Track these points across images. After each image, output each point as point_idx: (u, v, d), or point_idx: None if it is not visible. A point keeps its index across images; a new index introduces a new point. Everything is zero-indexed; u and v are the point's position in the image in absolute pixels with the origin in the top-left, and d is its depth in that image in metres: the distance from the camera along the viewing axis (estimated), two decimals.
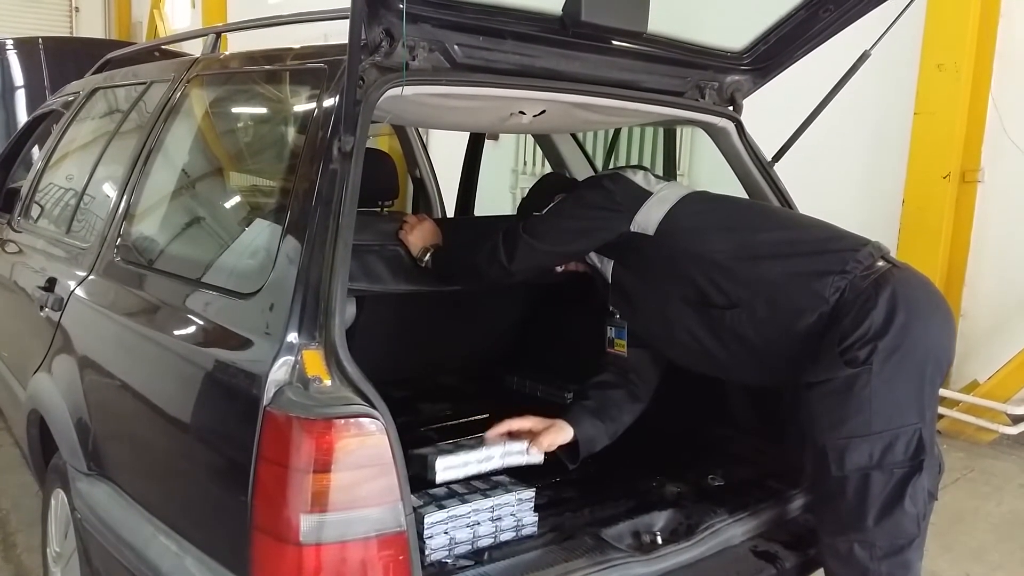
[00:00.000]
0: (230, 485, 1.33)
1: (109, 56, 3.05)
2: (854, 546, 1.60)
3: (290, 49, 1.79)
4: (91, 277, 1.98)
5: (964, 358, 4.47)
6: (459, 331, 2.74)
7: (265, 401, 1.27)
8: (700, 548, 1.73)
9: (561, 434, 1.78)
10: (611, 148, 4.05)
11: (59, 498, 2.03)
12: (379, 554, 1.28)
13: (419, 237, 2.04)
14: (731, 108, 2.18)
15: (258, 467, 1.27)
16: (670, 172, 4.16)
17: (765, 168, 2.20)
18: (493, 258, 1.85)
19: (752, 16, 2.13)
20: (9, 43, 5.04)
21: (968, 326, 4.46)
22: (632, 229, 1.82)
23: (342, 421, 1.26)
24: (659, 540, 1.74)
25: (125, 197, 2.02)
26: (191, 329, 1.55)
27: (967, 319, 4.45)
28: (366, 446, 1.27)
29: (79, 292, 1.98)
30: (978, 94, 4.28)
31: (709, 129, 2.18)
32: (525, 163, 6.83)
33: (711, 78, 2.12)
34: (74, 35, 15.48)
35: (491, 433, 1.74)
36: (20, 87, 5.08)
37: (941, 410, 4.31)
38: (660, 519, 1.82)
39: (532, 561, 1.60)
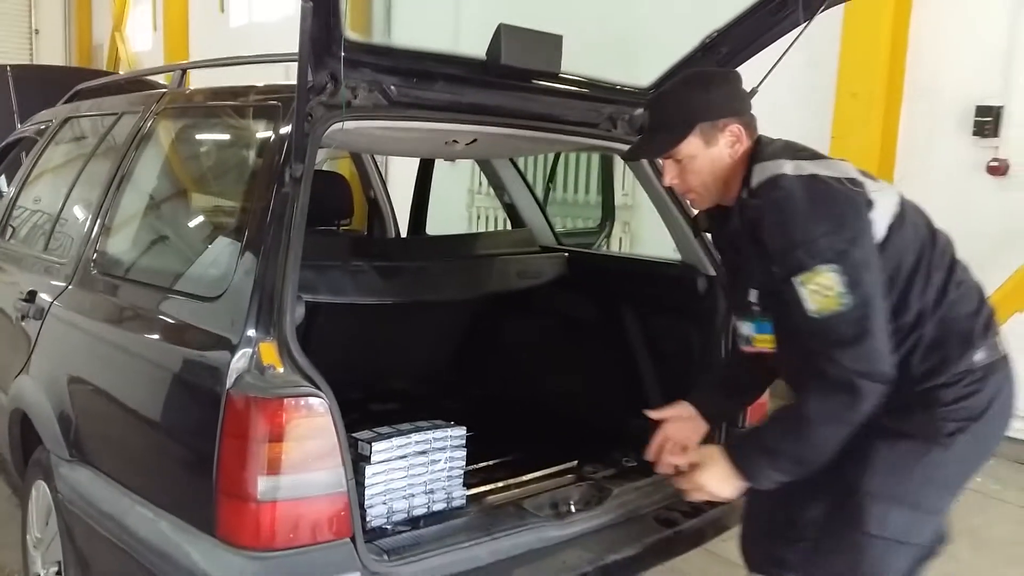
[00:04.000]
0: (199, 458, 1.58)
1: (80, 87, 3.28)
2: None
3: (250, 87, 2.05)
4: (70, 287, 2.22)
5: None
6: (411, 340, 3.01)
7: (228, 385, 1.52)
8: (609, 516, 2.02)
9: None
10: (552, 171, 4.36)
11: (40, 489, 2.24)
12: (325, 510, 1.54)
13: (722, 480, 1.68)
14: None
15: (222, 441, 1.52)
16: (608, 193, 4.51)
17: (671, 190, 2.51)
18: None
19: (659, 57, 2.45)
20: None
21: None
22: None
23: (292, 400, 1.52)
24: (572, 509, 2.02)
25: (100, 216, 2.26)
26: (163, 328, 1.80)
27: None
28: (312, 420, 1.54)
29: (59, 301, 2.22)
30: (890, 120, 4.68)
31: (606, 159, 2.48)
32: (480, 184, 7.14)
33: (622, 111, 2.43)
34: (34, 56, 15.56)
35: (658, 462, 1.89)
36: None
37: None
38: (576, 492, 2.11)
39: (460, 526, 1.87)
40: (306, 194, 1.69)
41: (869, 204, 1.58)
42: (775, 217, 1.57)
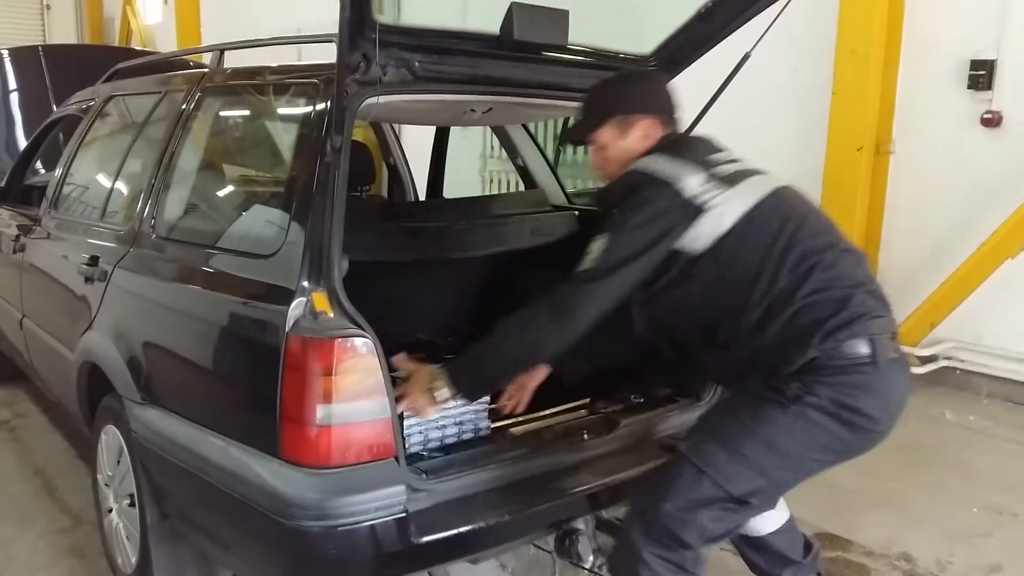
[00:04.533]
0: (263, 391, 1.83)
1: (118, 67, 3.51)
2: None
3: (290, 66, 2.28)
4: (132, 250, 2.47)
5: None
6: (435, 294, 3.25)
7: (287, 328, 1.77)
8: (617, 443, 2.27)
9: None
10: (562, 135, 4.55)
11: (110, 432, 2.52)
12: (372, 433, 1.80)
13: (420, 387, 1.90)
14: None
15: (284, 375, 1.77)
16: None
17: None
18: None
19: (658, 25, 2.64)
20: (5, 53, 5.41)
21: (884, 281, 5.02)
22: None
23: (342, 340, 1.77)
24: (585, 437, 2.27)
25: (156, 186, 2.51)
26: (224, 282, 2.04)
27: (883, 275, 5.03)
28: (359, 357, 1.78)
29: (122, 264, 2.47)
30: (888, 75, 4.83)
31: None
32: (492, 148, 7.34)
33: None
34: (46, 32, 15.73)
35: None
36: (14, 91, 5.46)
37: None
38: (588, 424, 2.35)
39: (487, 451, 2.13)
40: (346, 162, 1.91)
41: (697, 211, 1.80)
42: (611, 203, 1.95)
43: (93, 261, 2.63)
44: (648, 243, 1.82)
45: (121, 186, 2.85)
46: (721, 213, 1.81)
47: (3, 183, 3.96)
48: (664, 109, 2.03)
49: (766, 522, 2.22)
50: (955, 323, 4.66)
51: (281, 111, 2.37)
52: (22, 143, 5.00)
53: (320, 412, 1.75)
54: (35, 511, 3.15)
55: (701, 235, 1.82)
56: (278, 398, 1.78)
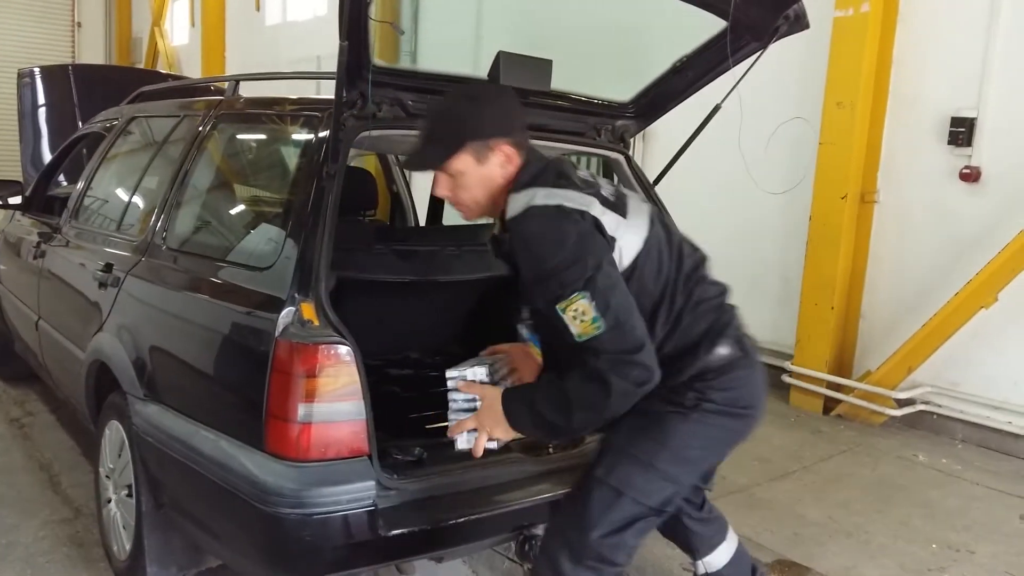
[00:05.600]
0: (251, 390, 2.03)
1: (142, 90, 3.77)
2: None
3: (295, 99, 2.51)
4: (143, 259, 2.69)
5: (863, 353, 5.24)
6: (423, 315, 3.45)
7: (277, 333, 1.98)
8: (580, 458, 2.43)
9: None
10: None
11: (113, 427, 2.72)
12: (348, 432, 1.99)
13: (496, 422, 1.88)
14: (621, 144, 2.91)
15: (271, 376, 1.97)
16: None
17: (648, 190, 2.93)
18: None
19: (636, 76, 2.86)
20: (37, 71, 5.71)
21: (867, 325, 5.21)
22: None
23: (324, 347, 1.97)
24: (551, 451, 2.45)
25: (168, 202, 2.74)
26: (223, 290, 2.26)
27: (866, 319, 5.21)
28: (340, 363, 1.98)
29: (134, 271, 2.69)
30: (875, 128, 5.05)
31: (606, 160, 2.91)
32: None
33: (605, 123, 2.85)
34: (76, 49, 16.25)
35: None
36: (43, 106, 5.75)
37: (841, 396, 5.08)
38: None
39: (455, 456, 2.27)
40: (339, 188, 2.13)
41: (612, 243, 1.78)
42: (525, 253, 1.76)
43: (107, 268, 2.85)
44: (616, 272, 1.77)
45: (137, 200, 3.08)
46: (624, 247, 1.81)
47: (28, 193, 4.21)
48: (519, 128, 1.90)
49: (721, 556, 2.35)
50: (933, 368, 4.81)
51: (286, 139, 2.61)
52: (46, 156, 5.27)
53: (302, 410, 1.94)
54: (39, 502, 3.34)
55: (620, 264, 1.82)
56: (264, 396, 1.98)
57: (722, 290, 1.99)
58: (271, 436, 1.98)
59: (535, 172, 1.86)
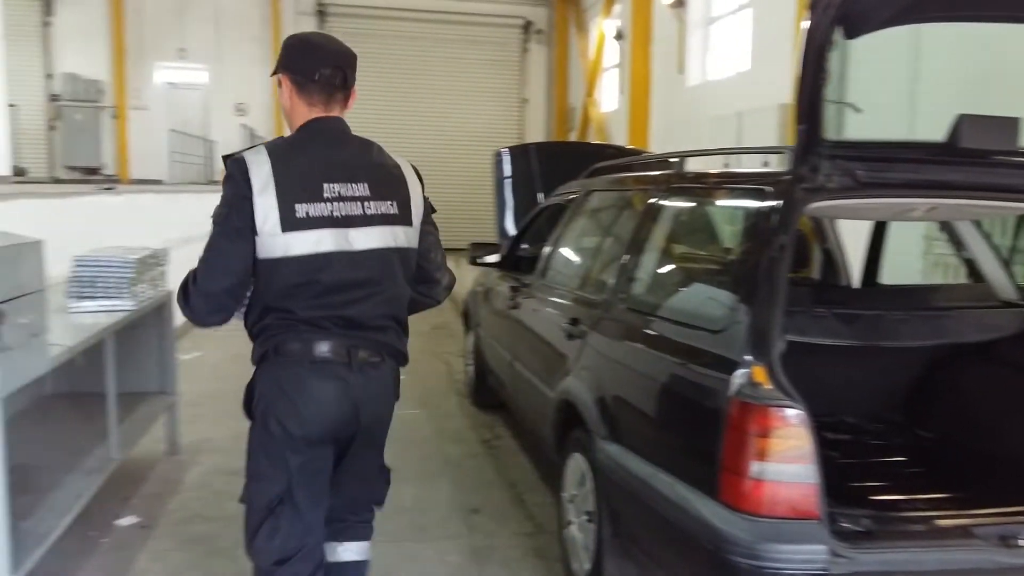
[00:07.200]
0: (704, 441, 2.25)
1: (596, 166, 4.34)
2: None
3: (744, 174, 2.72)
4: (605, 316, 3.12)
5: None
6: (864, 380, 3.38)
7: (731, 393, 2.17)
8: None
9: None
10: (1016, 233, 4.25)
11: (576, 459, 3.16)
12: (799, 494, 2.09)
13: None
14: None
15: (726, 432, 2.17)
16: None
17: None
18: None
19: None
20: (505, 151, 6.82)
21: None
22: None
23: (776, 409, 2.11)
24: (1021, 543, 2.23)
25: (625, 266, 3.13)
26: (677, 349, 2.53)
27: None
28: (791, 426, 2.10)
29: (597, 326, 3.13)
30: None
31: None
32: (939, 231, 6.91)
33: None
34: (523, 121, 18.91)
35: None
36: (507, 178, 6.83)
37: None
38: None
39: (911, 532, 2.25)
40: (789, 258, 2.27)
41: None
42: None
43: (574, 322, 3.35)
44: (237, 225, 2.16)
45: (597, 263, 3.57)
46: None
47: (504, 254, 5.09)
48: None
49: None
50: None
51: (734, 212, 2.83)
52: (508, 221, 6.25)
53: (754, 467, 2.10)
54: (509, 515, 3.99)
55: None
56: (719, 451, 2.18)
57: None
58: (725, 488, 2.16)
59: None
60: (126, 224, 6.07)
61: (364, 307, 2.17)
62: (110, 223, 5.77)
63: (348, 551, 2.43)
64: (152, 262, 4.04)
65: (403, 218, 2.24)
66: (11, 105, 11.65)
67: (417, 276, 2.34)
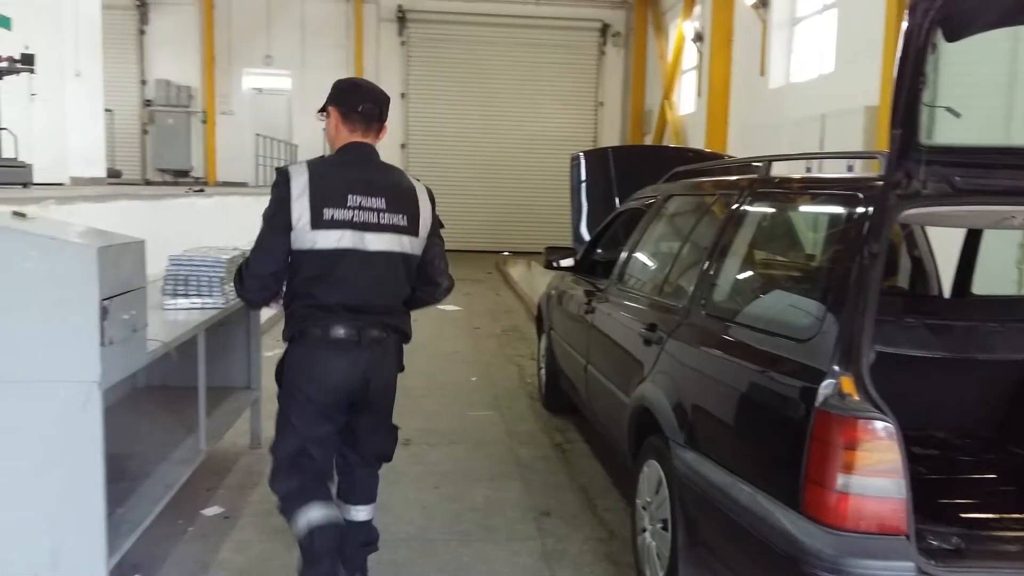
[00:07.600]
0: (787, 452, 2.20)
1: (676, 170, 4.29)
2: None
3: (831, 178, 2.65)
4: (684, 322, 3.08)
5: None
6: (955, 394, 3.24)
7: (817, 403, 2.12)
8: None
9: None
10: None
11: (652, 466, 3.13)
12: (886, 509, 2.02)
13: None
14: None
15: (811, 443, 2.11)
16: None
17: None
18: None
19: None
20: (582, 154, 6.80)
21: None
22: None
23: (864, 421, 2.05)
24: None
25: (706, 271, 3.09)
26: (762, 357, 2.48)
27: None
28: (879, 439, 2.04)
29: (676, 333, 3.10)
30: None
31: None
32: None
33: None
34: (598, 123, 18.87)
35: None
36: (583, 182, 6.81)
37: None
38: None
39: (1003, 553, 2.16)
40: (881, 266, 2.20)
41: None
42: None
43: (652, 328, 3.32)
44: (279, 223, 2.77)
45: (676, 269, 3.53)
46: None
47: (579, 257, 5.08)
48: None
49: None
50: None
51: (823, 218, 2.76)
52: (583, 226, 6.22)
53: (840, 480, 2.04)
54: (580, 519, 3.98)
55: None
56: (803, 462, 2.13)
57: None
58: (808, 500, 2.11)
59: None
60: (215, 225, 6.31)
61: (371, 295, 2.70)
62: (200, 224, 6.02)
63: (360, 512, 3.02)
64: (240, 261, 4.18)
65: (411, 230, 2.76)
66: (107, 110, 12.22)
67: (421, 279, 2.87)
